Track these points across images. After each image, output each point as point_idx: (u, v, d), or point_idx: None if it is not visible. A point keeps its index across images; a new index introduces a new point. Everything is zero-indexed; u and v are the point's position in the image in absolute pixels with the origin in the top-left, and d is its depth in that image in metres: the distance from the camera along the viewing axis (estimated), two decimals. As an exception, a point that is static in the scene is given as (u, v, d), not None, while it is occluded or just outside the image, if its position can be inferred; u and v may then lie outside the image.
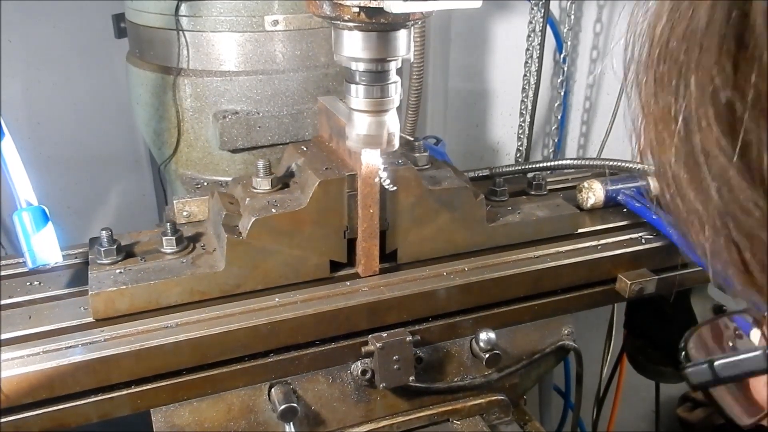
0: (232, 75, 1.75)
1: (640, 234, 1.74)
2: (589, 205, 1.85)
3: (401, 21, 1.17)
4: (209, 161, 1.84)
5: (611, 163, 2.00)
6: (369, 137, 1.29)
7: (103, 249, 1.42)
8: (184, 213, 1.73)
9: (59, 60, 2.68)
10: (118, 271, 1.39)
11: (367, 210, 1.42)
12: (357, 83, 1.25)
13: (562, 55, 2.96)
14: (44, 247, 1.30)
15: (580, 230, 1.75)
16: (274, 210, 1.40)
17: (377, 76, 1.24)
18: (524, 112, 2.94)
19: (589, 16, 2.99)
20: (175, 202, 1.73)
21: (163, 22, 1.75)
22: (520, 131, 2.99)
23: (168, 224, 1.46)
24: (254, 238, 1.39)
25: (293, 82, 1.78)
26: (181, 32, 1.73)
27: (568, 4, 2.86)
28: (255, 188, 1.49)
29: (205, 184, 1.84)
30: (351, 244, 1.49)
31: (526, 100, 2.93)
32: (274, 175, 1.50)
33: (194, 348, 1.32)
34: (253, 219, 1.38)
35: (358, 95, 1.27)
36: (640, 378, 2.33)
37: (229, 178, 1.84)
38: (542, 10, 2.74)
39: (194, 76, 1.76)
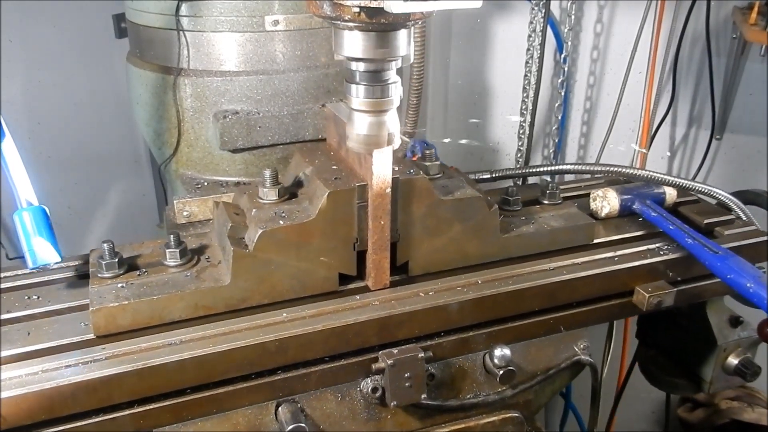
0: (233, 75, 1.75)
1: (657, 245, 1.68)
2: (603, 214, 1.80)
3: (401, 21, 1.17)
4: (209, 161, 1.84)
5: (620, 169, 1.92)
6: (369, 137, 1.28)
7: (104, 262, 1.37)
8: (185, 213, 1.73)
9: (59, 60, 2.68)
10: (119, 285, 1.34)
11: (378, 221, 1.37)
12: (357, 83, 1.25)
13: (562, 55, 2.96)
14: (44, 247, 1.30)
15: (595, 240, 1.69)
16: (281, 222, 1.35)
17: (377, 76, 1.24)
18: (524, 112, 2.94)
19: (590, 16, 2.99)
20: (175, 202, 1.73)
21: (164, 22, 1.75)
22: (521, 131, 2.99)
23: (171, 236, 1.41)
24: (261, 251, 1.34)
25: (293, 82, 1.78)
26: (181, 32, 1.73)
27: (569, 4, 2.86)
28: (261, 198, 1.44)
29: (206, 184, 1.84)
30: (360, 256, 1.44)
31: (526, 100, 2.92)
32: (281, 185, 1.45)
33: (199, 366, 1.26)
34: (260, 231, 1.33)
35: (358, 95, 1.26)
36: (640, 378, 2.32)
37: (230, 178, 1.85)
38: (543, 10, 2.73)
39: (194, 76, 1.76)
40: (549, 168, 2.13)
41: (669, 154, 3.25)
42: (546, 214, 1.68)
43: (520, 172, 2.14)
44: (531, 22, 2.80)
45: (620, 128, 3.06)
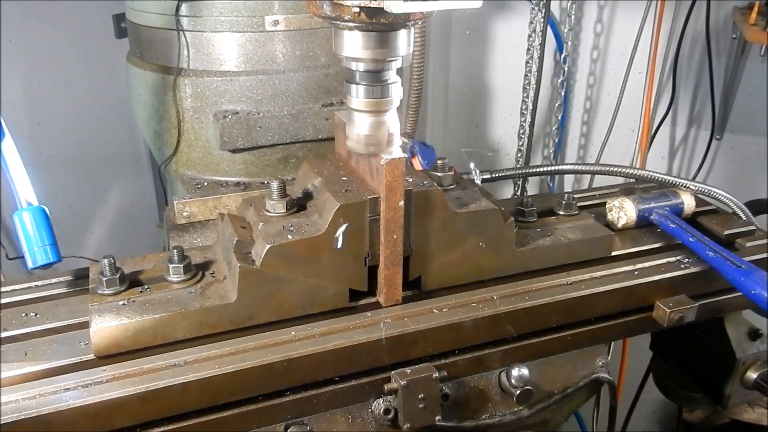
0: (233, 75, 1.75)
1: (677, 257, 1.62)
2: (620, 225, 1.74)
3: (401, 21, 1.17)
4: (209, 161, 1.84)
5: (620, 169, 1.88)
6: (369, 137, 1.28)
7: (104, 278, 1.30)
8: (185, 213, 1.73)
9: (59, 60, 2.68)
10: (121, 302, 1.28)
11: (391, 236, 1.32)
12: (357, 83, 1.25)
13: (562, 55, 2.96)
14: (44, 247, 1.30)
15: (613, 253, 1.63)
16: (290, 236, 1.29)
17: (377, 76, 1.24)
18: (525, 112, 2.94)
19: (590, 16, 2.99)
20: (175, 202, 1.73)
21: (164, 22, 1.75)
22: (521, 131, 2.99)
23: (174, 250, 1.34)
24: (269, 267, 1.28)
25: (293, 82, 1.78)
26: (181, 32, 1.73)
27: (569, 4, 2.86)
28: (269, 211, 1.38)
29: (206, 184, 1.84)
30: (372, 271, 1.38)
31: (526, 100, 2.93)
32: (289, 197, 1.39)
33: (204, 388, 1.20)
34: (268, 246, 1.27)
35: (358, 95, 1.26)
36: (640, 378, 2.32)
37: (230, 178, 1.85)
38: (543, 11, 2.73)
39: (194, 76, 1.76)
40: (549, 168, 2.12)
41: (669, 154, 3.25)
42: (562, 226, 1.62)
43: (520, 172, 2.13)
44: (531, 22, 2.81)
45: (620, 128, 3.07)
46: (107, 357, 1.24)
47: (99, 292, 1.31)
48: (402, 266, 1.37)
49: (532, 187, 3.22)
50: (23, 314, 1.38)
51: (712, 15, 2.80)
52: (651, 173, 1.87)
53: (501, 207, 1.48)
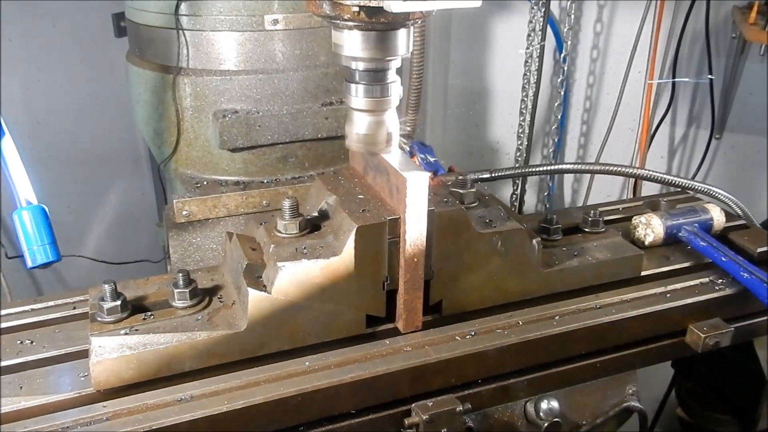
0: (232, 74, 1.75)
1: (709, 278, 1.55)
2: (647, 242, 1.66)
3: (401, 20, 1.17)
4: (209, 160, 1.84)
5: (620, 169, 1.86)
6: (368, 136, 1.28)
7: (105, 305, 1.21)
8: (184, 212, 1.73)
9: (59, 59, 2.68)
10: (122, 331, 1.19)
11: (412, 259, 1.24)
12: (357, 83, 1.25)
13: (562, 55, 2.96)
14: (44, 245, 1.30)
15: (643, 273, 1.56)
16: (304, 260, 1.21)
17: (377, 76, 1.24)
18: (524, 112, 2.95)
19: (590, 15, 2.99)
20: (174, 201, 1.73)
21: (163, 21, 1.75)
22: (520, 131, 2.99)
23: (180, 274, 1.26)
24: (281, 293, 1.20)
25: (293, 82, 1.78)
26: (181, 31, 1.73)
27: (569, 3, 2.86)
28: (280, 232, 1.29)
29: (205, 183, 1.84)
30: (390, 295, 1.31)
31: (526, 99, 2.93)
32: (302, 217, 1.30)
33: (212, 425, 1.12)
34: (281, 271, 1.20)
35: (357, 95, 1.26)
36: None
37: (229, 177, 1.85)
38: (542, 10, 2.74)
39: (194, 75, 1.76)
40: (549, 167, 2.12)
41: (668, 153, 3.25)
42: (589, 244, 1.54)
43: (519, 171, 2.14)
44: (530, 22, 2.81)
45: (620, 128, 3.07)
46: (108, 391, 1.17)
47: (99, 319, 1.22)
48: (423, 290, 1.30)
49: (531, 187, 3.22)
50: (18, 341, 1.29)
51: (711, 14, 2.80)
52: (651, 173, 1.87)
53: (524, 224, 1.41)
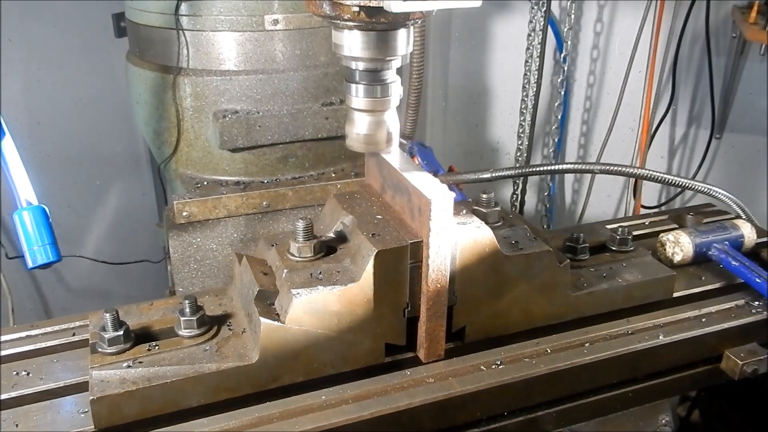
0: (232, 74, 1.75)
1: (744, 299, 1.47)
2: (675, 261, 1.59)
3: (401, 20, 1.17)
4: (209, 160, 1.84)
5: (620, 169, 1.74)
6: (368, 136, 1.27)
7: (107, 335, 1.13)
8: (184, 213, 1.73)
9: (59, 59, 2.68)
10: (125, 364, 1.11)
11: (435, 285, 1.17)
12: (357, 83, 1.24)
13: (562, 55, 2.96)
14: (44, 246, 1.30)
15: (674, 294, 1.48)
16: (320, 286, 1.14)
17: (377, 76, 1.24)
18: (524, 112, 2.94)
19: (590, 15, 2.99)
20: (175, 202, 1.73)
21: (163, 22, 1.75)
22: (521, 130, 2.99)
23: (186, 301, 1.18)
24: (296, 322, 1.12)
25: (293, 82, 1.78)
26: (181, 31, 1.73)
27: (569, 3, 2.86)
28: (294, 255, 1.21)
29: (205, 183, 1.84)
30: (410, 322, 1.23)
31: (526, 99, 2.93)
32: (317, 239, 1.22)
33: None
34: (295, 299, 1.12)
35: (358, 95, 1.26)
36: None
37: (230, 178, 1.85)
38: (542, 10, 2.74)
39: (194, 75, 1.76)
40: (549, 167, 2.11)
41: (669, 153, 3.25)
42: (618, 265, 1.46)
43: (520, 171, 2.13)
44: (531, 22, 2.81)
45: (620, 127, 3.07)
46: (109, 429, 1.09)
47: (100, 350, 1.14)
48: (446, 318, 1.23)
49: (531, 187, 3.22)
50: (14, 373, 1.20)
51: (711, 14, 2.80)
52: (651, 172, 1.87)
53: (550, 244, 1.34)
